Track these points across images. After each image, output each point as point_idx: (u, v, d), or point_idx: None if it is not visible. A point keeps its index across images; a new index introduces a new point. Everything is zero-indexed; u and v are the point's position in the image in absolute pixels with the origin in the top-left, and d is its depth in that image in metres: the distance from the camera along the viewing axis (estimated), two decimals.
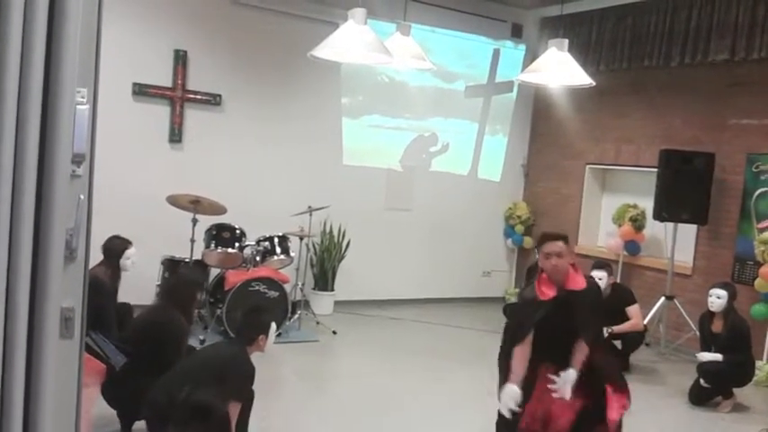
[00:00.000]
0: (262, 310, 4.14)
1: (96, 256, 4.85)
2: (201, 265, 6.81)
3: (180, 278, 4.44)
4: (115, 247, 5.00)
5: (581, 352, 3.92)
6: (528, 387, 4.00)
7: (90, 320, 4.55)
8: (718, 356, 5.71)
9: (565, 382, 3.85)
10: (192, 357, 4.14)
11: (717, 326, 5.85)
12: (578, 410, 3.99)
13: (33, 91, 1.71)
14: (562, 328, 3.90)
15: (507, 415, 3.81)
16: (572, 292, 3.93)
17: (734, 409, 5.79)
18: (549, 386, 3.90)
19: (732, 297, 5.81)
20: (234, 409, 3.63)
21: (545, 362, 4.02)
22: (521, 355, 3.96)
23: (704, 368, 5.80)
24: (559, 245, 3.91)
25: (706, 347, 5.92)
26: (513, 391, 3.78)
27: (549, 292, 3.95)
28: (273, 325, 3.98)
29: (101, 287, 4.61)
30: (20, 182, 1.72)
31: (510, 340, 4.22)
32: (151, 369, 3.91)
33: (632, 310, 6.54)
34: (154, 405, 3.65)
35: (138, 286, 7.00)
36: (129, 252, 5.03)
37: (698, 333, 6.25)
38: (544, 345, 3.95)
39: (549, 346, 3.94)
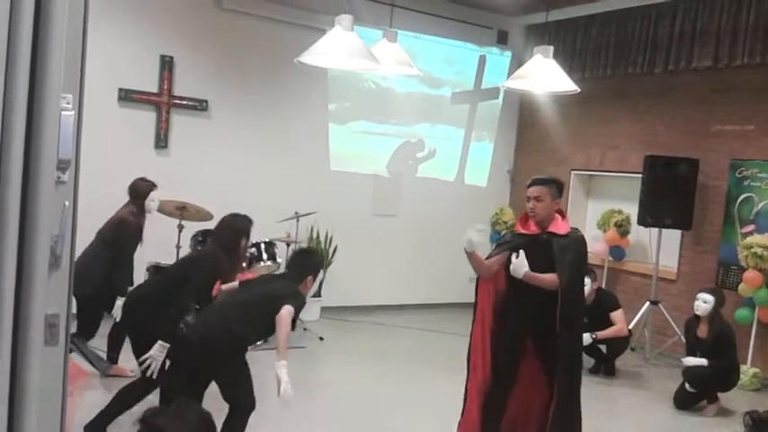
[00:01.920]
0: (313, 252, 4.18)
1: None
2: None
3: (224, 224, 4.46)
4: (141, 189, 5.33)
5: (551, 280, 3.97)
6: (512, 368, 4.11)
7: (113, 254, 4.93)
8: (703, 361, 5.75)
9: (518, 266, 3.99)
10: (243, 290, 4.17)
11: (702, 331, 5.89)
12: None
13: (18, 97, 1.71)
14: (539, 269, 3.98)
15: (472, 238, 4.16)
16: (553, 234, 4.05)
17: (719, 413, 5.83)
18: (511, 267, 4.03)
19: (719, 303, 5.85)
20: (287, 315, 3.70)
21: (526, 335, 4.09)
22: (485, 263, 4.19)
23: (689, 373, 5.84)
24: (539, 189, 4.06)
25: (691, 352, 5.96)
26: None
27: (529, 227, 4.11)
28: (321, 273, 3.98)
29: (126, 226, 5.19)
30: (4, 188, 1.71)
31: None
32: (175, 296, 4.19)
33: (616, 315, 6.58)
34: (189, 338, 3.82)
35: None
36: (153, 194, 5.36)
37: (683, 338, 6.30)
38: (523, 296, 4.03)
39: (528, 298, 4.02)
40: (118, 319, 4.42)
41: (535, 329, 4.09)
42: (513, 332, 4.15)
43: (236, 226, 4.42)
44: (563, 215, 4.16)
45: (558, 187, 4.12)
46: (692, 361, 5.83)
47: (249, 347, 3.99)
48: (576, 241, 4.11)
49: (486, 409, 4.18)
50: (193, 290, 4.29)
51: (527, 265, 3.99)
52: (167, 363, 4.09)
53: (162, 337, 4.05)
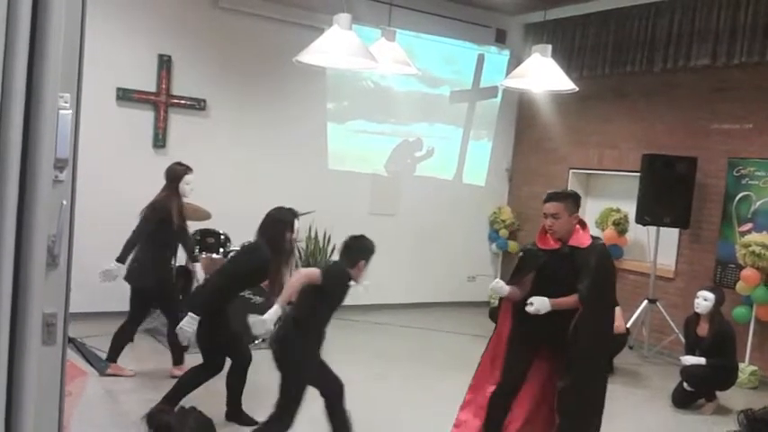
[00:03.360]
0: (365, 237, 4.24)
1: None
2: (186, 271, 6.78)
3: (268, 217, 4.55)
4: (175, 172, 5.44)
5: (572, 300, 3.90)
6: (523, 368, 4.09)
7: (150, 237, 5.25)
8: (701, 360, 5.76)
9: (537, 307, 3.93)
10: None
11: (702, 329, 5.89)
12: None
13: (16, 95, 1.70)
14: (561, 286, 3.92)
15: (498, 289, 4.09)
16: (575, 247, 3.97)
17: (717, 411, 5.84)
18: (527, 309, 3.97)
19: (719, 302, 5.85)
20: (308, 272, 3.95)
21: (542, 337, 4.04)
22: (515, 293, 4.10)
23: (688, 372, 5.84)
24: (555, 206, 3.98)
25: (690, 351, 5.97)
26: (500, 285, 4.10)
27: (550, 243, 4.03)
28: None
29: (154, 208, 5.36)
30: (1, 187, 1.70)
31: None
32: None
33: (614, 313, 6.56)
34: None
35: (122, 293, 6.97)
36: (188, 177, 5.45)
37: (681, 337, 6.30)
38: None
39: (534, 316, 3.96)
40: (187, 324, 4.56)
41: (552, 332, 4.00)
42: (529, 332, 4.11)
43: (279, 218, 4.51)
44: (584, 226, 4.09)
45: (574, 201, 4.04)
46: (690, 360, 5.83)
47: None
48: (598, 252, 4.00)
49: (490, 408, 4.17)
50: (225, 278, 4.52)
51: (545, 299, 3.93)
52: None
53: (195, 311, 4.30)
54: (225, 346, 4.71)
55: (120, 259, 5.42)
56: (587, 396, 3.99)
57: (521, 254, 4.32)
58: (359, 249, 4.11)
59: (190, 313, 4.31)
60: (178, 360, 5.66)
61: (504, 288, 4.12)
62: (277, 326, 3.97)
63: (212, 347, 4.66)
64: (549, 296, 3.95)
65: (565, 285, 3.93)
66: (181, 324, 4.33)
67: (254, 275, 4.55)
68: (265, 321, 3.77)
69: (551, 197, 4.04)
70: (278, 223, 4.48)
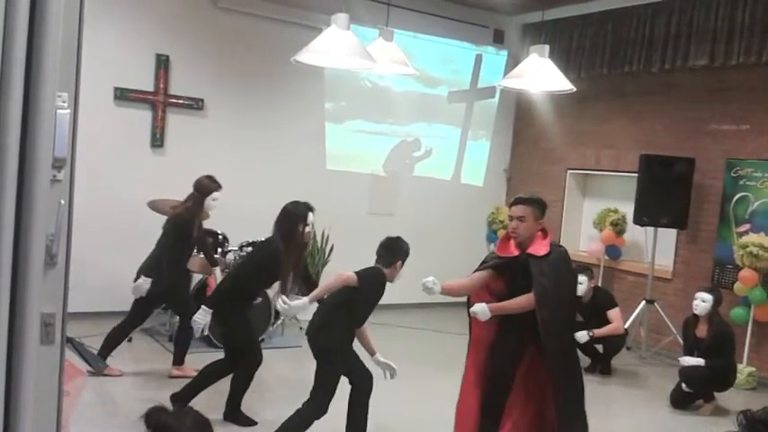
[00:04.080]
0: (401, 239, 4.41)
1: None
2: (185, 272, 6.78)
3: (283, 211, 4.71)
4: (204, 186, 5.45)
5: (521, 303, 3.96)
6: (511, 369, 4.14)
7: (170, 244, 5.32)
8: (700, 361, 5.75)
9: (476, 312, 4.10)
10: None
11: (701, 330, 5.89)
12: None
13: (14, 95, 1.70)
14: (519, 294, 3.98)
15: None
16: (531, 255, 3.99)
17: (715, 412, 5.84)
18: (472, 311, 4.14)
19: (717, 302, 5.85)
20: (346, 276, 4.10)
21: (527, 337, 4.07)
22: (459, 286, 4.32)
23: (686, 373, 5.84)
24: (522, 209, 4.03)
25: (689, 352, 5.97)
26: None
27: (509, 249, 4.08)
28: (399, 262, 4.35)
29: (176, 220, 5.40)
30: (0, 186, 1.70)
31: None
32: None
33: (613, 313, 6.58)
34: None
35: (120, 293, 6.96)
36: (215, 194, 5.48)
37: (679, 337, 6.30)
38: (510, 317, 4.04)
39: (514, 318, 4.03)
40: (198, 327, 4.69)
41: (535, 332, 4.03)
42: (513, 334, 4.14)
43: (294, 212, 4.63)
44: (545, 233, 4.10)
45: (540, 207, 4.08)
46: (689, 360, 5.83)
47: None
48: (555, 259, 4.01)
49: (484, 410, 4.18)
50: (239, 270, 4.79)
51: (485, 305, 4.06)
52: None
53: (207, 304, 4.51)
54: (239, 345, 4.78)
55: (148, 273, 5.50)
56: (568, 391, 4.05)
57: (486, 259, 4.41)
58: (396, 250, 4.30)
59: (203, 306, 4.52)
60: (178, 360, 5.66)
61: (486, 314, 4.09)
62: (314, 318, 4.23)
63: (228, 344, 4.83)
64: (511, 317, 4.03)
65: (520, 291, 3.98)
66: (194, 317, 4.52)
67: (266, 268, 4.61)
68: (291, 308, 4.04)
69: (519, 201, 4.10)
70: (292, 217, 4.61)
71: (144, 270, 5.56)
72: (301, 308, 4.07)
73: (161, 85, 7.36)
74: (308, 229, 4.62)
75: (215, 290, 4.86)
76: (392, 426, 5.00)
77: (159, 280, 5.45)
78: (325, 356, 4.14)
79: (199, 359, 5.87)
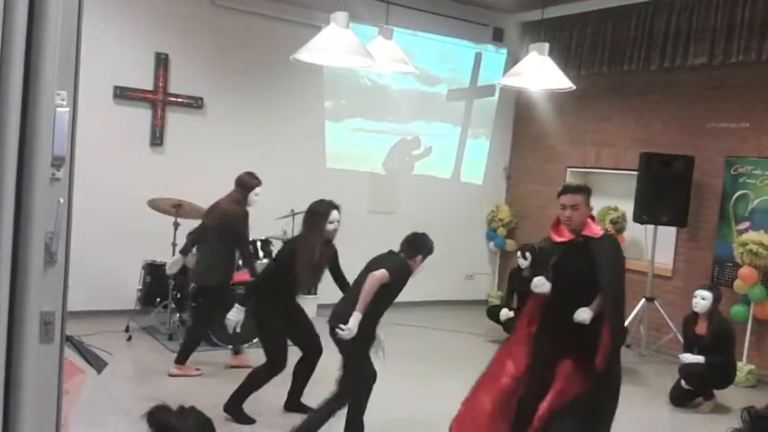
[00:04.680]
0: (426, 235, 4.58)
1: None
2: (183, 270, 6.77)
3: (308, 209, 4.89)
4: (247, 182, 5.66)
5: (598, 304, 4.01)
6: (549, 366, 4.12)
7: (229, 245, 5.55)
8: (700, 359, 5.75)
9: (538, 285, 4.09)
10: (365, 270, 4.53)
11: (701, 327, 5.89)
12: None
13: (13, 93, 1.70)
14: (579, 277, 4.01)
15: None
16: (589, 237, 4.07)
17: (714, 410, 5.84)
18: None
19: (717, 300, 5.85)
20: (379, 276, 4.22)
21: (566, 332, 4.08)
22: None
23: (686, 370, 5.84)
24: (574, 197, 4.07)
25: (689, 349, 5.97)
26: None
27: (565, 234, 4.12)
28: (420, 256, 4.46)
29: (236, 214, 5.54)
30: None
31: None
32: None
33: None
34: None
35: (120, 291, 6.98)
36: (257, 189, 5.69)
37: (679, 335, 6.29)
38: (560, 297, 4.07)
39: (565, 299, 4.04)
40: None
41: (575, 326, 4.09)
42: (554, 329, 4.17)
43: (316, 210, 4.78)
44: (593, 219, 4.22)
45: (588, 194, 4.17)
46: (689, 358, 5.83)
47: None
48: (612, 243, 4.21)
49: (519, 408, 4.21)
50: (268, 267, 4.99)
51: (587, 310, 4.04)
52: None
53: (242, 303, 4.69)
54: (266, 345, 4.87)
55: (183, 251, 5.86)
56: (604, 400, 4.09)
57: (537, 251, 4.41)
58: (420, 245, 4.46)
59: (236, 304, 4.70)
60: (181, 359, 5.65)
61: (546, 285, 4.14)
62: (338, 310, 4.36)
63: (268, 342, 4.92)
64: (564, 288, 4.07)
65: (579, 276, 4.03)
66: (228, 315, 4.70)
67: (288, 264, 4.70)
68: (350, 329, 4.15)
69: (570, 190, 4.14)
70: (315, 214, 4.76)
71: (202, 276, 5.72)
72: (357, 322, 4.17)
73: (160, 84, 7.35)
74: (331, 226, 4.75)
75: (246, 287, 5.12)
76: (389, 422, 5.00)
77: (209, 273, 5.63)
78: (350, 346, 4.25)
79: (198, 358, 5.88)
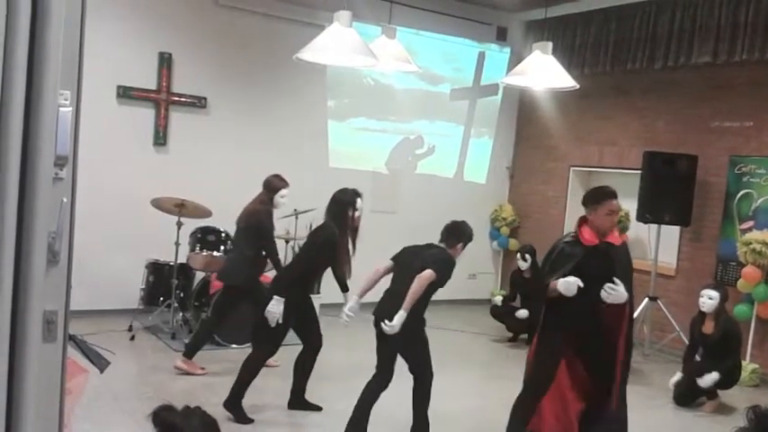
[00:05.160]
0: (466, 224, 4.68)
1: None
2: (186, 269, 6.79)
3: (332, 198, 4.95)
4: (273, 184, 5.68)
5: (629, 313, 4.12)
6: (555, 366, 4.20)
7: (255, 245, 5.52)
8: (715, 377, 5.66)
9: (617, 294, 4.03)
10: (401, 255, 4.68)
11: (708, 327, 5.86)
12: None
13: (16, 93, 1.70)
14: (597, 281, 4.02)
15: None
16: (611, 244, 4.15)
17: (718, 409, 5.83)
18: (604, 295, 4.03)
19: (724, 299, 5.83)
20: (427, 277, 4.25)
21: (576, 334, 4.16)
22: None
23: (693, 374, 5.80)
24: (618, 203, 4.20)
25: (693, 349, 5.96)
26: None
27: (592, 239, 4.16)
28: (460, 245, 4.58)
29: (262, 214, 5.59)
30: (2, 184, 1.70)
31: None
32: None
33: None
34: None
35: (123, 290, 6.99)
36: (283, 191, 5.68)
37: (683, 335, 6.26)
38: (578, 299, 4.07)
39: (582, 301, 4.06)
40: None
41: (585, 328, 4.16)
42: (570, 330, 4.23)
43: (342, 199, 4.85)
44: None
45: None
46: (708, 381, 5.70)
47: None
48: (627, 252, 4.30)
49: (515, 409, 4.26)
50: (300, 256, 5.08)
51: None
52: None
53: (280, 294, 4.70)
54: (261, 331, 4.94)
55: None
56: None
57: (557, 251, 4.34)
58: (460, 233, 4.57)
59: (275, 296, 4.70)
60: (190, 354, 5.71)
61: (573, 285, 4.09)
62: (386, 306, 4.37)
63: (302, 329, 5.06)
64: (582, 291, 4.05)
65: (598, 281, 4.04)
66: (268, 308, 4.71)
67: (324, 252, 4.81)
68: (394, 326, 4.20)
69: (616, 195, 4.19)
70: (341, 203, 4.83)
71: (228, 275, 5.70)
72: (401, 320, 4.21)
73: (164, 84, 7.36)
74: (357, 213, 4.85)
75: (282, 279, 5.02)
76: (391, 421, 5.00)
77: (235, 272, 5.64)
78: (412, 343, 4.40)
79: (202, 356, 5.88)
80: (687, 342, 6.25)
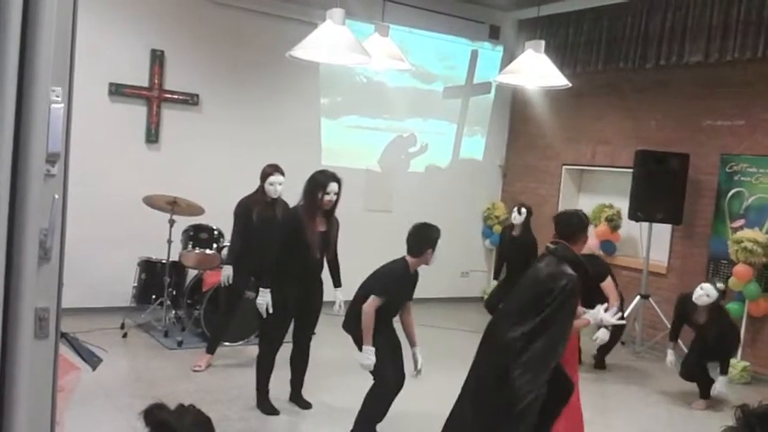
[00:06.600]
0: (432, 226, 4.51)
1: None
2: (178, 267, 6.77)
3: (309, 177, 5.02)
4: (262, 172, 5.74)
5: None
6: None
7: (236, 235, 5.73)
8: (724, 381, 5.76)
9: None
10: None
11: (701, 316, 5.84)
12: None
13: (7, 89, 1.70)
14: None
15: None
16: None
17: (709, 407, 5.86)
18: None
19: (720, 299, 5.85)
20: (370, 307, 4.32)
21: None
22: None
23: (686, 371, 5.85)
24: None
25: (675, 332, 6.06)
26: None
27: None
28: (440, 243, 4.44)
29: (239, 207, 5.73)
30: None
31: None
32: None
33: (606, 285, 6.10)
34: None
35: (115, 288, 6.97)
36: (272, 178, 5.67)
37: (667, 322, 6.26)
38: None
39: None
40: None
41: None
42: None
43: (315, 179, 4.90)
44: None
45: None
46: (723, 389, 5.76)
47: None
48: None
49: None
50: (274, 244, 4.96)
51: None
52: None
53: (263, 285, 4.83)
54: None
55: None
56: None
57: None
58: (425, 239, 4.42)
59: (261, 289, 4.82)
60: (211, 349, 5.83)
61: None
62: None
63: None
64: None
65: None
66: (257, 300, 4.83)
67: (285, 227, 4.98)
68: (370, 366, 4.38)
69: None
70: (313, 183, 4.89)
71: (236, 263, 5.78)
72: (373, 356, 4.37)
73: (156, 81, 7.34)
74: (327, 197, 4.86)
75: (263, 270, 5.06)
76: (392, 420, 5.00)
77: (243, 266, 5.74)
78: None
79: (194, 355, 5.88)
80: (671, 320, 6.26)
